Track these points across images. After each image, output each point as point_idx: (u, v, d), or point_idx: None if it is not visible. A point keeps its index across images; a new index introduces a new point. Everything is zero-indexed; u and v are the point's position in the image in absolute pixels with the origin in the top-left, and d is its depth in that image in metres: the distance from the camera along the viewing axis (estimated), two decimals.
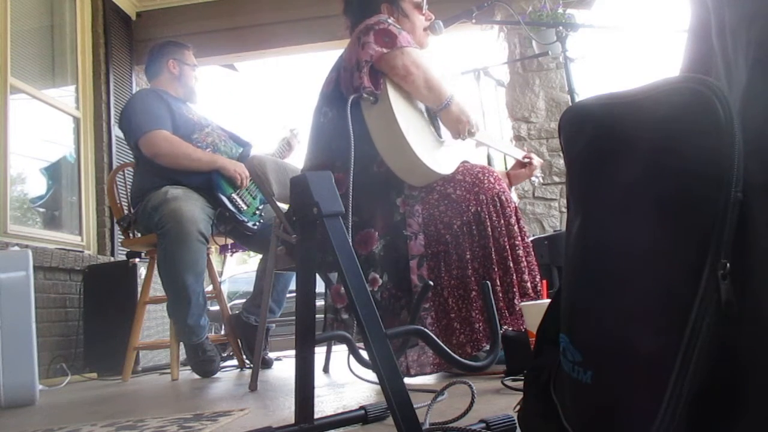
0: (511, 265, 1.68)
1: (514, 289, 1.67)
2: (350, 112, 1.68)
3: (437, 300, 1.70)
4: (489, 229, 1.70)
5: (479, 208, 1.72)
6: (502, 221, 1.72)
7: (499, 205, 1.73)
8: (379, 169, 1.77)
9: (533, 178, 2.25)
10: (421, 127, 1.83)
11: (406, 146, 1.71)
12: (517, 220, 1.75)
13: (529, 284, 1.69)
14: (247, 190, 2.68)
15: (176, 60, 2.83)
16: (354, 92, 1.73)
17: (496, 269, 1.68)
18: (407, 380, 1.40)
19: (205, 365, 2.50)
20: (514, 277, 1.68)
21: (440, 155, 1.83)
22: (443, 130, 1.90)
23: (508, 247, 1.70)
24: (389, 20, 1.82)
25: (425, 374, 1.71)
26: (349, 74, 1.78)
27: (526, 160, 2.18)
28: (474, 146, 2.08)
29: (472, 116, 1.83)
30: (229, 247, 2.97)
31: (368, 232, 1.74)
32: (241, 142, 2.85)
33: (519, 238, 1.72)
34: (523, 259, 1.71)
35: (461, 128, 1.82)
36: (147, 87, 2.92)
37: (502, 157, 2.93)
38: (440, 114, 1.83)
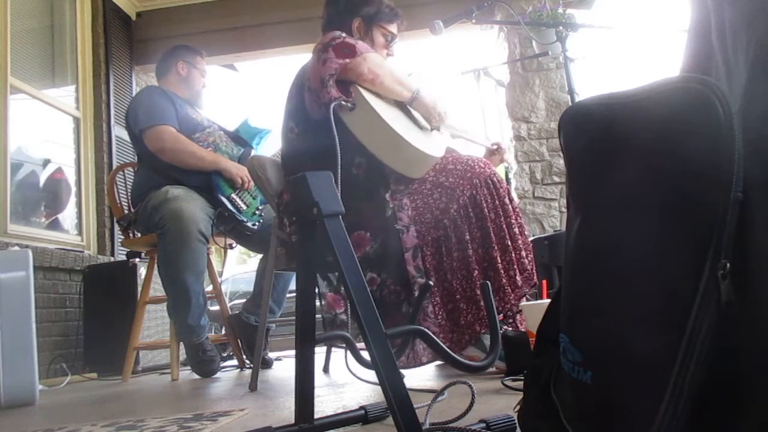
0: (509, 243, 1.73)
1: (515, 267, 1.72)
2: (322, 123, 1.72)
3: (442, 285, 1.73)
4: (485, 210, 1.75)
5: (474, 192, 1.76)
6: (497, 202, 1.77)
7: (492, 186, 1.78)
8: (358, 171, 1.81)
9: (504, 164, 2.28)
10: (403, 120, 1.86)
11: (400, 140, 1.74)
12: (511, 200, 1.81)
13: (526, 261, 1.74)
14: (247, 190, 2.67)
15: (185, 62, 2.85)
16: (324, 108, 1.76)
17: (495, 248, 1.72)
18: (407, 380, 1.40)
19: (205, 365, 2.50)
20: (513, 255, 1.73)
21: (429, 141, 1.87)
22: (419, 119, 1.95)
23: (505, 226, 1.75)
24: (342, 34, 1.86)
25: (438, 360, 1.72)
26: (314, 94, 1.82)
27: (494, 146, 2.22)
28: (450, 137, 2.11)
29: (443, 100, 1.90)
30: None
31: (359, 234, 1.76)
32: (241, 143, 2.85)
33: (513, 217, 1.77)
34: (519, 237, 1.76)
35: (438, 112, 1.90)
36: (153, 84, 2.92)
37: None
38: (414, 104, 1.90)
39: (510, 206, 1.78)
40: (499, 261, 1.71)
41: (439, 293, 1.73)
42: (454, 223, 1.74)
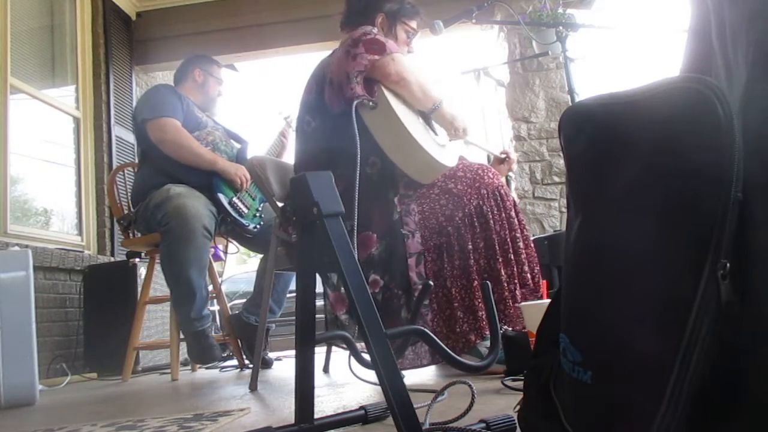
0: (512, 257, 1.73)
1: (516, 281, 1.71)
2: (341, 118, 1.71)
3: (441, 291, 1.73)
4: (491, 221, 1.74)
5: (481, 202, 1.76)
6: (503, 214, 1.76)
7: (499, 198, 1.78)
8: (371, 171, 1.80)
9: (510, 173, 2.28)
10: (421, 126, 1.87)
11: (416, 145, 1.74)
12: (516, 213, 1.80)
13: (528, 275, 1.73)
14: (246, 191, 2.68)
15: (202, 70, 2.88)
16: (346, 104, 1.75)
17: (500, 260, 1.71)
18: (407, 380, 1.40)
19: (205, 351, 2.48)
20: (515, 269, 1.72)
21: (443, 150, 1.87)
22: (435, 126, 1.96)
23: (509, 239, 1.74)
24: (374, 30, 1.86)
25: (438, 363, 1.74)
26: (337, 88, 1.80)
27: (503, 155, 2.21)
28: (464, 144, 2.11)
29: (464, 116, 1.89)
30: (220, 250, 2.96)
31: (366, 235, 1.76)
32: (238, 139, 2.86)
33: (519, 230, 1.76)
34: (523, 251, 1.75)
35: (456, 126, 1.89)
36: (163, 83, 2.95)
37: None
38: (433, 116, 1.89)
39: (516, 219, 1.77)
40: (503, 273, 1.70)
41: (436, 299, 1.72)
42: (457, 231, 1.73)
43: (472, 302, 1.69)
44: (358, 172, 1.63)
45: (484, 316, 1.67)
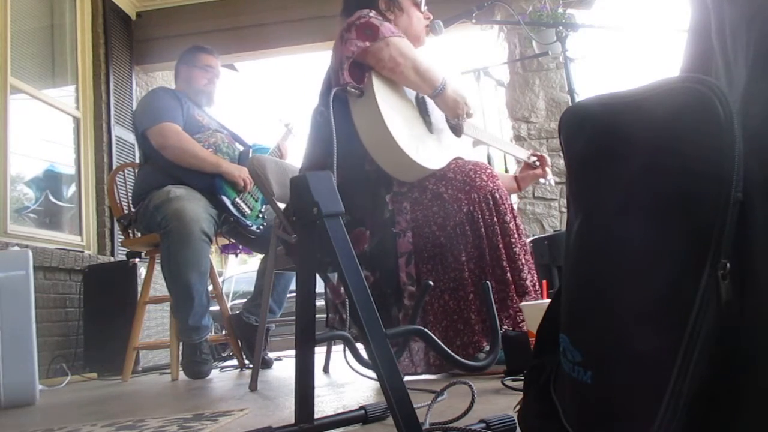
0: (506, 264, 1.65)
1: (508, 289, 1.64)
2: (341, 109, 1.66)
3: (438, 302, 1.69)
4: (482, 228, 1.67)
5: (471, 208, 1.68)
6: (496, 220, 1.68)
7: (492, 203, 1.69)
8: (370, 167, 1.75)
9: (549, 178, 2.16)
10: (410, 120, 1.78)
11: (391, 141, 1.66)
12: (513, 218, 1.71)
13: (528, 282, 1.66)
14: (249, 193, 2.68)
15: (185, 65, 2.86)
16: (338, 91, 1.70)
17: (490, 270, 1.66)
18: (407, 380, 1.40)
19: (197, 366, 2.49)
20: (509, 276, 1.65)
21: (431, 149, 1.78)
22: (434, 123, 1.88)
23: (502, 246, 1.66)
24: (370, 14, 1.77)
25: (433, 373, 1.71)
26: (335, 75, 1.77)
27: (533, 159, 2.11)
28: (471, 144, 2.06)
29: (468, 97, 1.81)
30: (234, 248, 2.96)
31: (360, 231, 1.72)
32: (242, 142, 2.86)
33: (515, 236, 1.68)
34: (521, 257, 1.67)
35: (459, 111, 1.79)
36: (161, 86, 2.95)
37: (502, 156, 2.91)
38: (436, 100, 1.80)
39: (512, 224, 1.68)
40: (494, 283, 1.64)
41: (432, 311, 1.68)
42: (450, 242, 1.67)
43: (469, 315, 1.65)
44: (335, 165, 1.57)
45: (479, 329, 1.64)
